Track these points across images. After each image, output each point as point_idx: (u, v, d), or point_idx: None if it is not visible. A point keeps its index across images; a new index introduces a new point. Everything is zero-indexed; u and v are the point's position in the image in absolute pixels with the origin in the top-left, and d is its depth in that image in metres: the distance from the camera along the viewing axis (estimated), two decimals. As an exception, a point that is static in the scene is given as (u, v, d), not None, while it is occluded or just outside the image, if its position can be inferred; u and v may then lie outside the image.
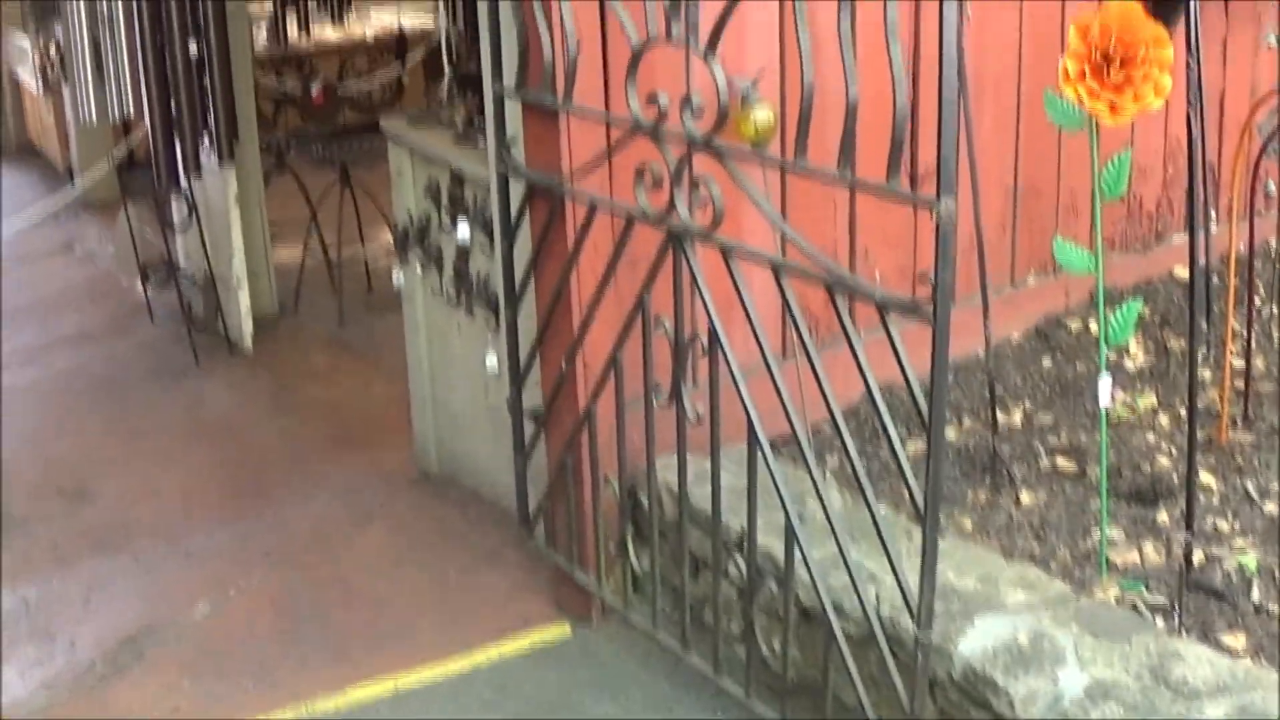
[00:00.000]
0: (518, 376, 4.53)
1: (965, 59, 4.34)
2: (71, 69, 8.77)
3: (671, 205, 3.63)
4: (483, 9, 4.32)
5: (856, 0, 3.12)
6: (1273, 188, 6.02)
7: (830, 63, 3.23)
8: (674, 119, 3.60)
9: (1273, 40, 5.80)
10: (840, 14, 3.11)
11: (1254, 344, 5.02)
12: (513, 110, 4.33)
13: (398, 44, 11.34)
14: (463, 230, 4.90)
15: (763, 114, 3.87)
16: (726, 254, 3.57)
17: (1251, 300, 5.12)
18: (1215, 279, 5.51)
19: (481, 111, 4.71)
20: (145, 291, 7.97)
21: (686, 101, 3.54)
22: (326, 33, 10.50)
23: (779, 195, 4.56)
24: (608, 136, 4.08)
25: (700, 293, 3.64)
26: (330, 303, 7.81)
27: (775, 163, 3.57)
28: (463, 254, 4.99)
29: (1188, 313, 4.17)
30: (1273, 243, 5.97)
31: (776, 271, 3.48)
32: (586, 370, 4.25)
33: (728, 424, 3.73)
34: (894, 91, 3.02)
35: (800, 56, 3.27)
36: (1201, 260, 4.79)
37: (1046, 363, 5.31)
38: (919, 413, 3.23)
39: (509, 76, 4.23)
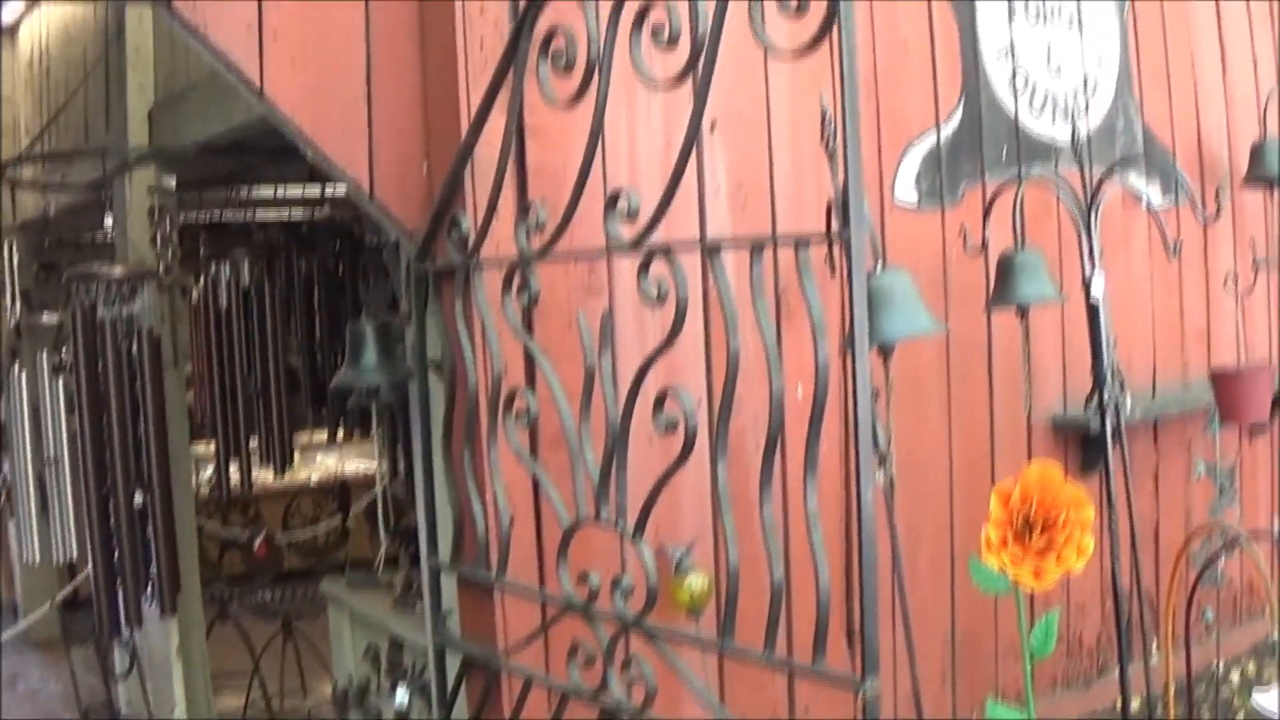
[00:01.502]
0: None
1: (896, 517, 4.44)
2: (16, 507, 8.83)
3: (605, 683, 3.63)
4: (419, 483, 4.39)
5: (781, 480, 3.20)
6: (1210, 615, 6.08)
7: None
8: (606, 597, 3.63)
9: (1202, 470, 5.94)
10: (762, 501, 3.17)
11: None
12: (449, 582, 4.37)
13: (341, 490, 11.47)
14: (401, 695, 4.90)
15: (696, 582, 3.91)
16: (660, 734, 3.56)
17: (1194, 729, 5.13)
18: (1158, 709, 5.52)
19: (416, 576, 4.74)
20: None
21: (617, 583, 3.57)
22: (270, 477, 10.64)
23: (717, 662, 4.58)
24: (542, 613, 4.10)
25: (636, 771, 3.62)
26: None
27: (705, 643, 3.59)
28: (401, 719, 4.97)
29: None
30: (1213, 668, 6.00)
31: (710, 752, 3.47)
32: None
33: None
34: (816, 577, 3.06)
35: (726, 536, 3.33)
36: (1137, 697, 4.82)
37: (993, 812, 5.26)
38: None
39: (444, 550, 4.28)
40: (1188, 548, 4.76)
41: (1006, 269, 4.80)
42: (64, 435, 8.14)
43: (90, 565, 7.47)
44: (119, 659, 7.67)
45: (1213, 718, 5.78)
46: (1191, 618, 4.80)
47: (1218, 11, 6.58)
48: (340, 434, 9.72)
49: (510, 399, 3.79)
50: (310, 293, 8.32)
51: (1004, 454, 5.46)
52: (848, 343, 3.05)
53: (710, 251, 3.23)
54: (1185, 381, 6.41)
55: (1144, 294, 6.18)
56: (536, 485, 4.10)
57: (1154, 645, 5.82)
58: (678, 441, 3.28)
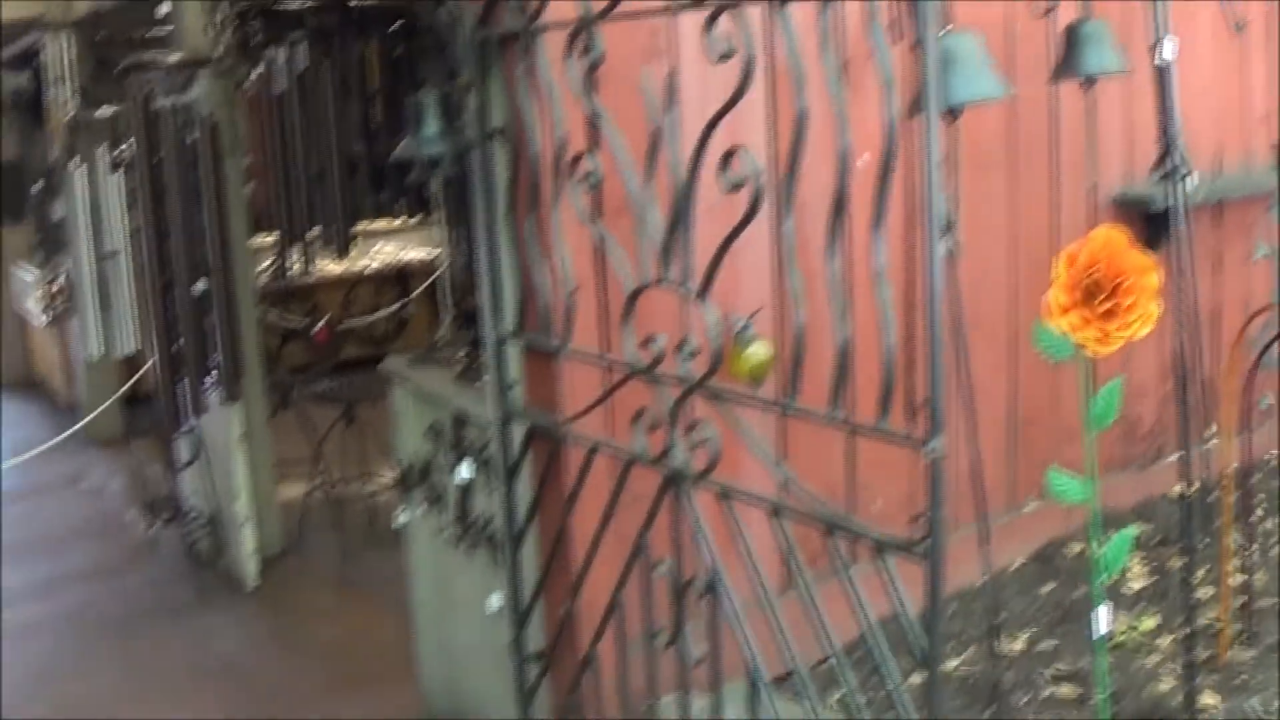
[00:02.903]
0: (519, 618, 4.52)
1: (960, 289, 4.42)
2: (77, 303, 8.89)
3: (669, 448, 3.65)
4: (482, 253, 4.38)
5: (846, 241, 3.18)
6: (1269, 400, 6.06)
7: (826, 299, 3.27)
8: (671, 361, 3.64)
9: (1263, 252, 5.88)
10: (829, 257, 3.16)
11: (1254, 559, 5.02)
12: (513, 352, 4.39)
13: (401, 278, 11.48)
14: (464, 471, 4.93)
15: (758, 351, 3.92)
16: (724, 496, 3.58)
17: (1250, 515, 5.13)
18: (1214, 494, 5.53)
19: (479, 351, 4.74)
20: (151, 528, 7.98)
21: (681, 345, 3.58)
22: (330, 266, 10.62)
23: (778, 429, 4.60)
24: (606, 379, 4.11)
25: (699, 535, 3.65)
26: (334, 540, 7.80)
27: (769, 406, 3.58)
28: (465, 494, 5.00)
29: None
30: (1272, 455, 5.99)
31: (775, 513, 3.49)
32: (588, 611, 4.23)
33: (730, 661, 3.71)
34: (883, 336, 3.06)
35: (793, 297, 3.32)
36: (1197, 480, 4.82)
37: (1048, 588, 5.30)
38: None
39: (508, 319, 4.29)
40: (1246, 331, 4.73)
41: (1073, 39, 4.72)
42: (123, 229, 8.16)
43: (152, 355, 7.53)
44: (182, 450, 7.75)
45: (1271, 507, 5.78)
46: (1250, 402, 4.78)
47: None
48: (399, 219, 9.69)
49: (574, 164, 3.77)
50: (367, 77, 8.25)
51: (1066, 229, 5.41)
52: (915, 104, 3.01)
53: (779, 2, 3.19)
54: (1248, 165, 6.33)
55: (1208, 75, 6.09)
56: (599, 254, 4.09)
57: (1211, 430, 5.81)
58: (740, 207, 3.27)
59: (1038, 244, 5.37)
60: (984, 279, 5.20)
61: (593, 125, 3.84)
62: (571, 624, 4.31)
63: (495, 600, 4.86)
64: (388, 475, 7.33)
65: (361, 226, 9.07)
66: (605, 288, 4.17)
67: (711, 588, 3.66)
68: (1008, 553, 5.39)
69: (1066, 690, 4.55)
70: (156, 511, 8.07)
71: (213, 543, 7.64)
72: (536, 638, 4.55)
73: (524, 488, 4.44)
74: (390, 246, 12.26)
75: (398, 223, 10.70)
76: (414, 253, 12.13)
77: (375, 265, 12.14)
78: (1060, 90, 5.27)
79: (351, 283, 11.76)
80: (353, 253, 8.94)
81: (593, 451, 4.02)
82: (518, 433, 4.40)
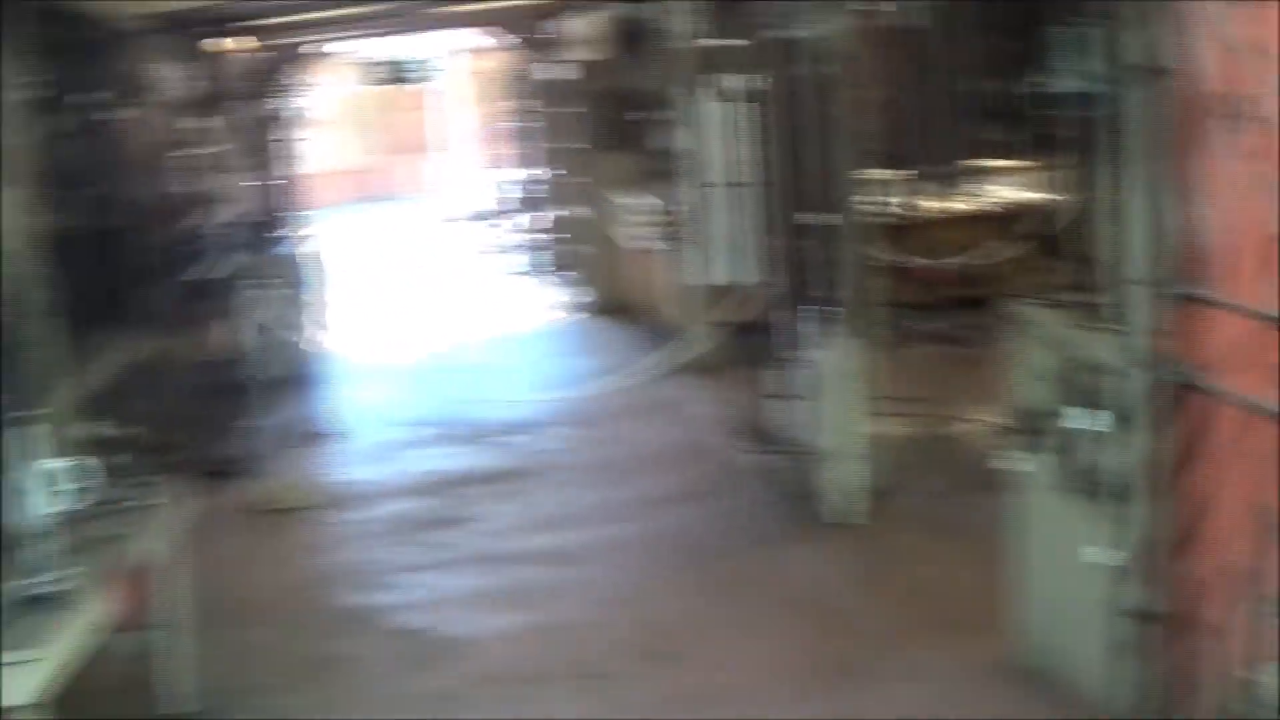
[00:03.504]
0: (1139, 576, 4.37)
1: None
2: (687, 230, 9.10)
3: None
4: (1122, 196, 4.23)
5: None
6: None
7: None
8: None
9: None
10: None
11: None
12: (1149, 300, 4.22)
13: (1011, 219, 11.22)
14: (1085, 419, 4.78)
15: None
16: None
17: None
18: None
19: (1111, 297, 4.58)
20: (745, 457, 8.09)
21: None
22: (942, 204, 10.47)
23: None
24: (1258, 331, 3.87)
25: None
26: (933, 480, 7.69)
27: None
28: (1083, 443, 4.85)
29: None
30: None
31: None
32: (1215, 575, 4.05)
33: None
34: None
35: None
36: None
37: None
38: None
39: (1144, 264, 4.13)
40: None
41: None
42: (740, 160, 8.25)
43: (764, 285, 7.62)
44: (784, 379, 7.77)
45: None
46: None
47: None
48: (1014, 159, 9.47)
49: (1233, 103, 3.59)
50: (994, 13, 8.05)
51: None
52: None
53: None
54: None
55: None
56: (1254, 198, 3.85)
57: None
58: None
59: None
60: None
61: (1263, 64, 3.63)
62: (1194, 586, 4.14)
63: (1104, 553, 4.71)
64: (993, 417, 7.16)
65: (975, 164, 8.91)
66: (1263, 236, 3.94)
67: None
68: None
69: None
70: (752, 440, 8.17)
71: (807, 475, 7.66)
72: (1142, 594, 4.39)
73: (1149, 440, 4.27)
74: (1002, 186, 11.95)
75: (1011, 162, 10.45)
76: (1026, 193, 11.79)
77: (986, 205, 11.86)
78: None
79: (962, 221, 11.54)
80: (964, 191, 8.81)
81: (1237, 408, 3.82)
82: (1147, 382, 4.24)
